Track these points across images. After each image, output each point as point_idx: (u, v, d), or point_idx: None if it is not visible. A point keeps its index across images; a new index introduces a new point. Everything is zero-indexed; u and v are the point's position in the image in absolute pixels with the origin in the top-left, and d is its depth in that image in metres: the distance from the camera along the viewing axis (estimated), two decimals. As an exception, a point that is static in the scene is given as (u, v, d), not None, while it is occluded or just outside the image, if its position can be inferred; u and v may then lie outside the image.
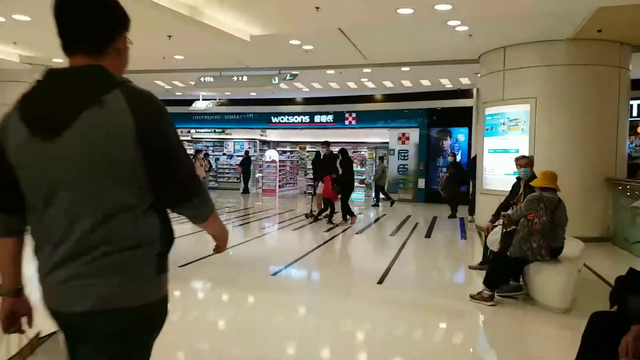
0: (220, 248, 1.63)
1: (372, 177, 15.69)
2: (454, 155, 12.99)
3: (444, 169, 14.33)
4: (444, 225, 10.51)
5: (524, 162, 5.54)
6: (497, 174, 9.12)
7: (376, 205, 14.07)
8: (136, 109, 1.26)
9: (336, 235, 8.93)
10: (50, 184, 1.26)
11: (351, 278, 6.04)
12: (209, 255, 6.42)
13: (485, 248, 5.77)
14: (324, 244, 7.99)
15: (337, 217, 10.27)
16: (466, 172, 11.84)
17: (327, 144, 10.73)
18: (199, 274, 5.82)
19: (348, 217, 10.11)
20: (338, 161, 10.07)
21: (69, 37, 1.32)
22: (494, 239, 5.13)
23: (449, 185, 11.97)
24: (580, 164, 8.17)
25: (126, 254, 1.28)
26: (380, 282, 5.49)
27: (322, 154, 10.77)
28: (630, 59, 8.53)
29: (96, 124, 1.23)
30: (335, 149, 10.69)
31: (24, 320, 1.47)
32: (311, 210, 11.29)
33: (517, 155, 5.77)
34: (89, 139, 1.23)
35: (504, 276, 4.83)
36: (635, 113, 12.20)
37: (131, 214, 1.29)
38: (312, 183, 16.80)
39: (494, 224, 5.58)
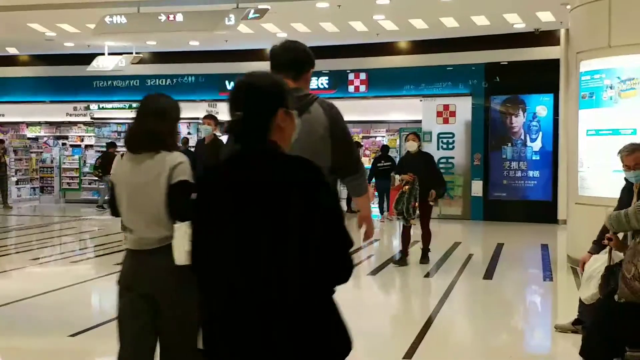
0: (368, 233, 3.69)
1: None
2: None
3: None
4: (516, 258, 10.48)
5: (635, 162, 5.49)
6: (602, 170, 9.08)
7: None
8: (327, 113, 3.42)
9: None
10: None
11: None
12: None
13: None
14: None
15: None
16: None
17: (212, 119, 9.13)
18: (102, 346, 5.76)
19: None
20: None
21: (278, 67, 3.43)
22: (591, 279, 5.10)
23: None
24: None
25: None
26: (409, 357, 5.46)
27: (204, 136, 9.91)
28: None
29: (308, 122, 3.25)
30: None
31: None
32: None
33: (623, 146, 5.66)
34: (312, 127, 3.30)
35: (613, 342, 4.77)
36: None
37: None
38: None
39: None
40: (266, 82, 2.51)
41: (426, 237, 9.64)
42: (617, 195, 5.85)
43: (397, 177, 9.59)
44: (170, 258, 3.32)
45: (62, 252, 11.67)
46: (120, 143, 17.39)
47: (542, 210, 14.62)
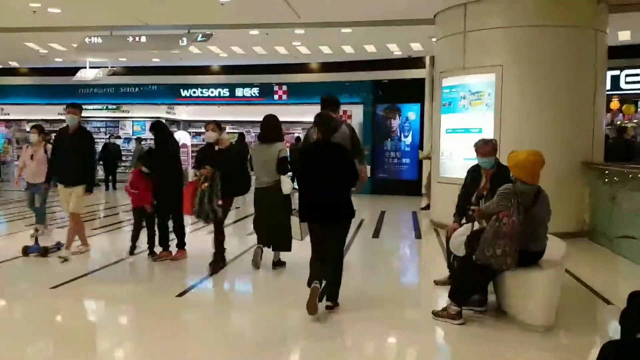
0: (362, 181, 5.51)
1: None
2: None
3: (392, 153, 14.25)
4: (394, 221, 10.29)
5: (486, 151, 5.28)
6: (457, 158, 8.98)
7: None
8: (349, 128, 5.81)
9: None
10: None
11: (286, 291, 5.56)
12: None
13: (449, 254, 5.50)
14: (242, 253, 7.44)
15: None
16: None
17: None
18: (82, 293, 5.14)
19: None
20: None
21: (326, 106, 5.73)
22: (459, 241, 4.82)
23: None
24: (553, 145, 8.07)
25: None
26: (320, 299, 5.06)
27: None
28: (607, 21, 8.62)
29: (341, 132, 5.37)
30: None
31: None
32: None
33: (477, 140, 5.48)
34: (342, 138, 5.29)
35: (473, 287, 4.55)
36: (608, 86, 12.57)
37: None
38: None
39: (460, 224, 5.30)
40: (327, 114, 5.16)
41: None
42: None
43: (194, 172, 6.84)
44: (277, 190, 5.93)
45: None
46: (100, 137, 16.55)
47: (411, 187, 14.59)
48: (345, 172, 4.65)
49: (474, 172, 5.51)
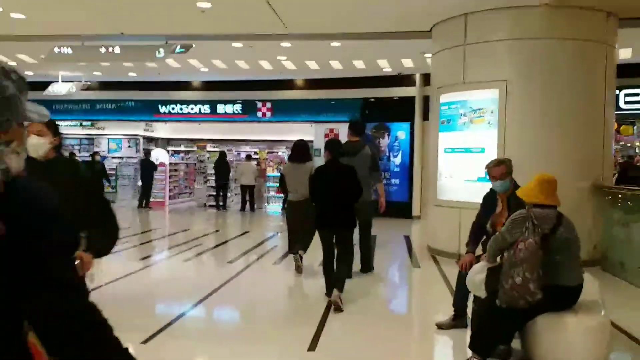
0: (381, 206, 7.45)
1: None
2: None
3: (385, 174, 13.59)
4: (388, 249, 9.52)
5: (499, 173, 4.62)
6: (457, 180, 8.34)
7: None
8: (371, 151, 7.25)
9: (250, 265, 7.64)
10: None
11: (275, 341, 4.78)
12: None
13: (459, 291, 4.77)
14: (232, 279, 6.66)
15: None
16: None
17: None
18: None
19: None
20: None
21: (352, 131, 7.36)
22: (480, 280, 4.09)
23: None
24: (561, 166, 7.46)
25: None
26: (312, 349, 4.29)
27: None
28: (617, 36, 8.11)
29: (362, 154, 6.94)
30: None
31: None
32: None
33: (490, 161, 4.82)
34: (364, 158, 6.94)
35: (498, 336, 3.82)
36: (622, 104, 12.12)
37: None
38: (213, 193, 15.68)
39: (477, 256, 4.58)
40: (336, 140, 6.33)
41: None
42: (468, 199, 5.05)
43: None
44: (308, 202, 6.22)
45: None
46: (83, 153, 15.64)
47: (402, 208, 13.90)
48: (350, 188, 5.68)
49: (488, 198, 4.83)
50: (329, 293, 5.50)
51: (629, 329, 4.78)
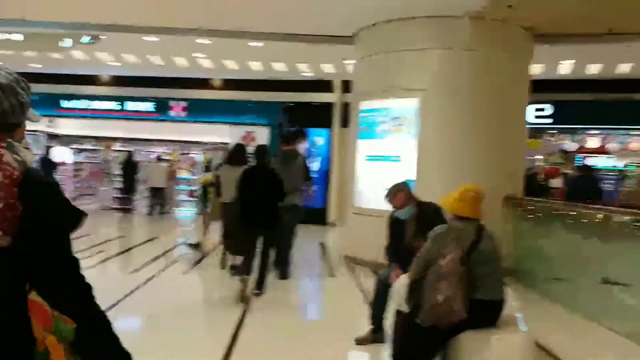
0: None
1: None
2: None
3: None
4: (304, 258, 9.25)
5: (400, 202, 4.51)
6: (374, 187, 8.26)
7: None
8: (303, 158, 7.89)
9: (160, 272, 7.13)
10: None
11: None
12: None
13: (377, 304, 4.61)
14: (137, 289, 6.14)
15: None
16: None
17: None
18: None
19: None
20: None
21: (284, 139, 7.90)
22: (404, 292, 3.91)
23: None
24: (474, 177, 7.50)
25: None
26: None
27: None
28: (533, 52, 8.38)
29: (296, 163, 7.46)
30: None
31: None
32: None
33: (387, 191, 4.64)
34: (299, 166, 7.45)
35: (420, 354, 3.65)
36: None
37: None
38: (119, 195, 14.92)
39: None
40: (264, 146, 6.93)
41: None
42: (386, 207, 4.78)
43: None
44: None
45: None
46: None
47: (318, 215, 13.75)
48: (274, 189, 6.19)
49: (395, 225, 4.69)
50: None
51: (547, 345, 4.80)
